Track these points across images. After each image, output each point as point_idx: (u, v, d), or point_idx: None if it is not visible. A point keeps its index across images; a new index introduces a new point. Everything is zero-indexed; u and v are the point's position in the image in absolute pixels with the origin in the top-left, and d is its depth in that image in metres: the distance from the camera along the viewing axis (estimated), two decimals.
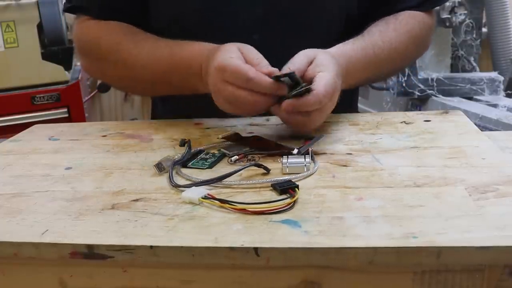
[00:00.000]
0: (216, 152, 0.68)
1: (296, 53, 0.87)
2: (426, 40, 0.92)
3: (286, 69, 0.69)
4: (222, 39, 0.84)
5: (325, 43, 0.88)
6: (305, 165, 0.60)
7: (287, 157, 0.61)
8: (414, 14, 0.88)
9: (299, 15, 0.85)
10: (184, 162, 0.64)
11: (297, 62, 0.70)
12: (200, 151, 0.68)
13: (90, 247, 0.47)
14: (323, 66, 0.69)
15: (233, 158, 0.65)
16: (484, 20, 2.10)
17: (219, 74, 0.68)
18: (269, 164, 0.62)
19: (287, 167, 0.60)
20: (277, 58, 0.86)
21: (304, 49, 0.87)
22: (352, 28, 0.90)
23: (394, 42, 0.83)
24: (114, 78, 0.92)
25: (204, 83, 0.74)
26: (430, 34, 0.92)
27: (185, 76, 0.79)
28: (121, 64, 0.85)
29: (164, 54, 0.81)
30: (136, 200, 0.55)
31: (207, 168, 0.63)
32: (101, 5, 0.89)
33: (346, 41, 0.80)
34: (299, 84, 0.67)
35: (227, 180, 0.58)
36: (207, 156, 0.66)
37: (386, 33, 0.83)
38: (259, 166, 0.61)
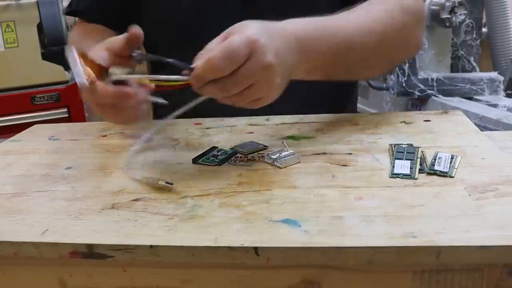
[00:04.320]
0: (228, 149, 0.68)
1: None
2: (411, 28, 0.78)
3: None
4: (213, 37, 0.84)
5: None
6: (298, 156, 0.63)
7: (279, 153, 0.63)
8: None
9: (289, 14, 0.85)
10: (195, 158, 0.66)
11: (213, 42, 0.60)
12: (213, 148, 0.69)
13: (90, 246, 0.47)
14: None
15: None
16: (484, 20, 2.10)
17: None
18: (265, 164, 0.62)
19: (285, 161, 0.62)
20: None
21: None
22: None
23: (363, 21, 0.71)
24: None
25: None
26: (416, 23, 0.79)
27: None
28: None
29: None
30: (136, 200, 0.55)
31: (216, 165, 0.64)
32: (88, 8, 0.92)
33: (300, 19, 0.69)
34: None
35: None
36: (219, 153, 0.67)
37: (354, 12, 0.72)
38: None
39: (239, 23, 0.61)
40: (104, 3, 0.92)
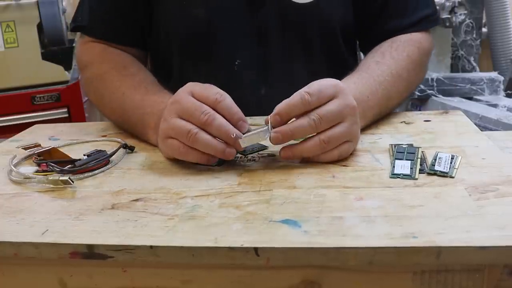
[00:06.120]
0: None
1: (296, 66, 0.85)
2: (426, 65, 0.87)
3: (304, 94, 0.60)
4: (225, 52, 0.84)
5: (325, 56, 0.88)
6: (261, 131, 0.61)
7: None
8: (411, 38, 0.83)
9: (298, 28, 0.85)
10: None
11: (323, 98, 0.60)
12: None
13: (90, 247, 0.47)
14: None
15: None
16: (484, 20, 2.10)
17: (174, 106, 0.62)
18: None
19: (244, 141, 0.61)
20: (278, 70, 0.86)
21: (303, 62, 0.86)
22: (349, 41, 0.90)
23: (394, 69, 0.77)
24: (95, 103, 0.88)
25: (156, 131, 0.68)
26: (428, 58, 0.87)
27: (140, 130, 0.75)
28: (99, 95, 0.84)
29: (130, 105, 0.76)
30: (136, 200, 0.55)
31: (216, 165, 0.64)
32: (103, 26, 0.88)
33: (347, 78, 0.73)
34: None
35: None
36: None
37: (384, 62, 0.78)
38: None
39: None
40: (111, 15, 0.88)
